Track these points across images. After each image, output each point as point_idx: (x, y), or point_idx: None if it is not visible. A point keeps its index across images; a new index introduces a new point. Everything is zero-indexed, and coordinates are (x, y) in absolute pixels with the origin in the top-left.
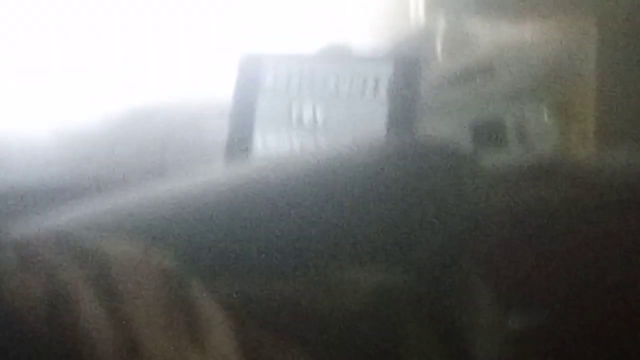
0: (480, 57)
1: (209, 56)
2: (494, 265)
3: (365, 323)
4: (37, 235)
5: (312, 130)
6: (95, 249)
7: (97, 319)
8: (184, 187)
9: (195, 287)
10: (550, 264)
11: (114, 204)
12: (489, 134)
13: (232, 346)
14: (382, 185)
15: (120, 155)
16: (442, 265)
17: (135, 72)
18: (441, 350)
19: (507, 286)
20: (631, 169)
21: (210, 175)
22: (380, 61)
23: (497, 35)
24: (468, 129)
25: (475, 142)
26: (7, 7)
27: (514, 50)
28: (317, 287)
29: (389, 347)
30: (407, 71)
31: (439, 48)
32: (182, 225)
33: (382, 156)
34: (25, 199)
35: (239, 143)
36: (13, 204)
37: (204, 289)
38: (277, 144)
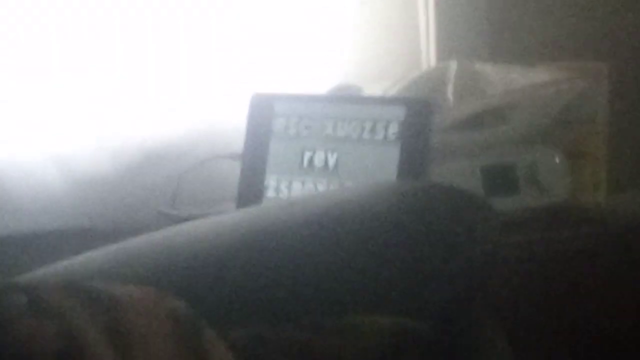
0: (492, 101)
1: (220, 98)
2: (507, 308)
3: None
4: (48, 280)
5: (324, 173)
6: (106, 293)
7: None
8: (195, 231)
9: (207, 332)
10: (563, 308)
11: (124, 248)
12: (500, 178)
13: None
14: (394, 229)
15: (131, 198)
16: (455, 310)
17: (146, 115)
18: None
19: (520, 330)
20: None
21: (222, 219)
22: (392, 104)
23: (508, 80)
24: (479, 173)
25: (487, 186)
26: (15, 46)
27: (525, 95)
28: (331, 332)
29: None
30: (418, 114)
31: (450, 91)
32: (193, 270)
33: (393, 200)
34: (36, 243)
35: (251, 186)
36: (24, 248)
37: (215, 334)
38: (289, 187)
